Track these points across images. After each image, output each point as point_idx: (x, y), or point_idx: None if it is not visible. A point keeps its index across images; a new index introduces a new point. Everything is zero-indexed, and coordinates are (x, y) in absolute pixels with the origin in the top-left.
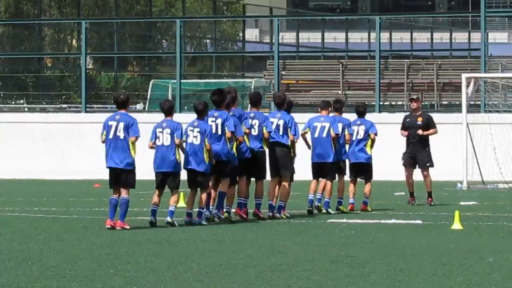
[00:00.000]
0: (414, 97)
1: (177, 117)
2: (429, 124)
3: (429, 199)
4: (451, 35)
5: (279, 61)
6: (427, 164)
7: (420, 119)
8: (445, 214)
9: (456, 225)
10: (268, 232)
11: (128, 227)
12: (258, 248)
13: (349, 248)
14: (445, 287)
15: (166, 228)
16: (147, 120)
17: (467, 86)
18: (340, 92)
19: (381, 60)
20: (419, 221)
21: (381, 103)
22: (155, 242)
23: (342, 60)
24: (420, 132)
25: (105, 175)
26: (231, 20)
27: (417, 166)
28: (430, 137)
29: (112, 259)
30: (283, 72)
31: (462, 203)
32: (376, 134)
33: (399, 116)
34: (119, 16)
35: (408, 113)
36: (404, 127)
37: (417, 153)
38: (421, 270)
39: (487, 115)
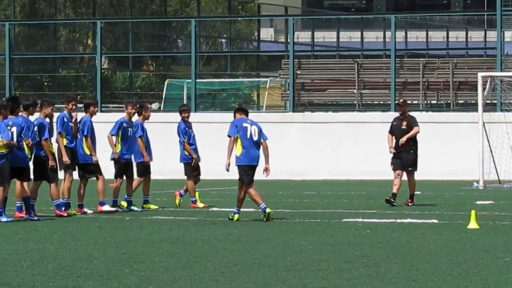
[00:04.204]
0: (400, 101)
1: (193, 116)
2: (412, 126)
3: (409, 200)
4: (467, 33)
5: (294, 60)
6: (410, 169)
7: (404, 123)
8: (461, 213)
9: (472, 225)
10: (283, 231)
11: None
12: (273, 248)
13: (365, 247)
14: (461, 287)
15: (181, 228)
16: (163, 120)
17: (483, 85)
18: (355, 91)
19: (396, 59)
20: (435, 221)
21: (396, 102)
22: (170, 242)
23: (358, 59)
24: (402, 140)
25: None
26: (246, 19)
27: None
28: (436, 136)
29: (127, 258)
30: (298, 72)
31: (478, 202)
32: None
33: (415, 115)
34: (134, 16)
35: (397, 114)
36: (391, 130)
37: (404, 156)
38: (437, 270)
39: (504, 114)
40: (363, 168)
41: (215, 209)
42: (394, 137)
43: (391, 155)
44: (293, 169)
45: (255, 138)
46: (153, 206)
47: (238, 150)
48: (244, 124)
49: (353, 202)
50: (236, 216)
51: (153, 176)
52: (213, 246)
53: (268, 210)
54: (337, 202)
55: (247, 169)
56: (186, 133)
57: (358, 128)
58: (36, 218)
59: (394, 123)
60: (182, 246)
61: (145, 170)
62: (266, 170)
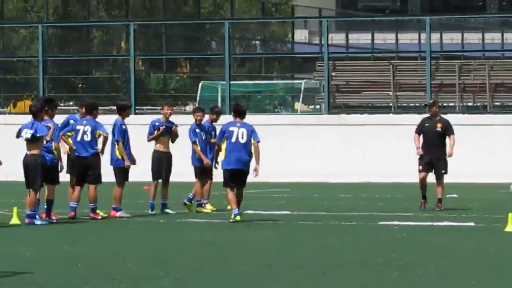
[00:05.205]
0: (430, 101)
1: (227, 118)
2: (447, 130)
3: (438, 204)
4: (502, 35)
5: (329, 62)
6: (443, 171)
7: (439, 125)
8: (498, 216)
9: (510, 228)
10: (318, 234)
11: None
12: (308, 250)
13: (400, 250)
14: None
15: (215, 230)
16: None
17: None
18: (390, 93)
19: (432, 61)
20: (472, 224)
21: (425, 103)
22: (204, 244)
23: (393, 61)
24: (450, 153)
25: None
26: (280, 21)
27: (433, 171)
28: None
29: (161, 261)
30: (333, 73)
31: None
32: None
33: (451, 118)
34: (167, 18)
35: (427, 115)
36: (421, 130)
37: (435, 160)
38: (473, 273)
39: None
40: (399, 170)
41: (249, 211)
42: (423, 138)
43: (418, 156)
44: (328, 171)
45: (242, 140)
46: (208, 207)
47: (222, 154)
48: (231, 128)
49: (389, 205)
50: (238, 217)
51: (184, 178)
52: (247, 248)
53: (238, 218)
54: (372, 205)
55: (228, 174)
56: (196, 135)
57: (394, 130)
58: (55, 220)
59: (426, 124)
60: (216, 248)
61: (203, 172)
62: (255, 170)
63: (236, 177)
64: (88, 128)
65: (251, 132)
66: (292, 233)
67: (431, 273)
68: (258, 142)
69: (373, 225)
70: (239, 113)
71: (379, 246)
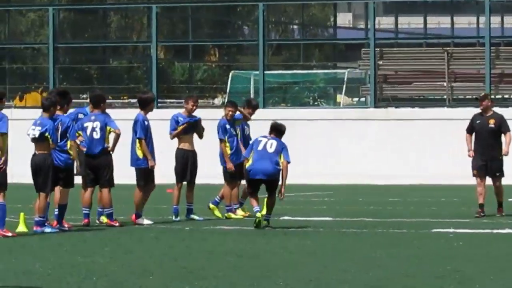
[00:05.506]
0: (481, 95)
1: (261, 112)
2: (502, 127)
3: (500, 209)
4: None
5: (376, 49)
6: (497, 174)
7: (492, 121)
8: None
9: None
10: (364, 243)
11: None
12: (353, 262)
13: (457, 261)
14: None
15: (248, 239)
16: None
17: None
18: (445, 84)
19: (491, 48)
20: None
21: (492, 96)
22: (235, 255)
23: (447, 48)
24: (506, 151)
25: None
26: (320, 3)
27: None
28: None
29: (187, 273)
30: (380, 62)
31: None
32: None
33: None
34: (194, 0)
35: (479, 111)
36: (472, 129)
37: (489, 161)
38: None
39: None
40: (454, 171)
41: (286, 217)
42: (475, 136)
43: (471, 158)
44: (374, 172)
45: (270, 150)
46: (239, 213)
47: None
48: (260, 138)
49: (443, 210)
50: (258, 214)
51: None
52: (285, 259)
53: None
54: (425, 210)
55: (251, 183)
56: (226, 131)
57: (449, 125)
58: (66, 228)
59: (477, 121)
60: (249, 259)
61: (232, 174)
62: (281, 193)
63: (260, 184)
64: (98, 124)
65: (281, 148)
66: (334, 242)
67: (492, 286)
68: (288, 162)
69: (425, 233)
70: (277, 132)
71: (433, 257)
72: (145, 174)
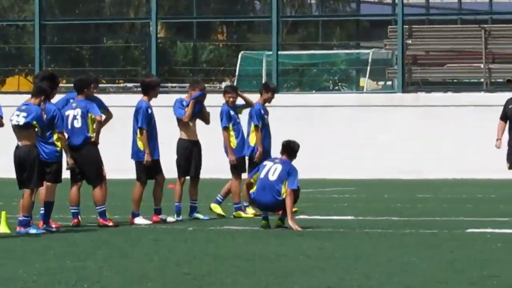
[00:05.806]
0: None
1: (275, 98)
2: None
3: None
4: None
5: (404, 26)
6: None
7: None
8: None
9: None
10: (390, 245)
11: None
12: (377, 266)
13: (495, 265)
14: None
15: (260, 241)
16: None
17: None
18: (482, 65)
19: None
20: None
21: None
22: (245, 258)
23: (485, 25)
24: None
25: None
26: None
27: None
28: None
29: (191, 280)
30: (409, 41)
31: None
32: None
33: None
34: None
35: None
36: (505, 114)
37: None
38: None
39: None
40: (493, 163)
41: (302, 216)
42: (509, 124)
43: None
44: (403, 165)
45: (272, 177)
46: (249, 212)
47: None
48: (265, 162)
49: (480, 208)
50: (263, 222)
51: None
52: (301, 263)
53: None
54: (459, 207)
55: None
56: (231, 118)
57: (486, 112)
58: (54, 228)
59: (510, 106)
60: (261, 263)
61: (240, 168)
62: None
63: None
64: (79, 112)
65: (287, 174)
66: (356, 244)
67: None
68: (293, 189)
69: (459, 233)
70: (289, 152)
71: (467, 261)
72: (147, 167)
